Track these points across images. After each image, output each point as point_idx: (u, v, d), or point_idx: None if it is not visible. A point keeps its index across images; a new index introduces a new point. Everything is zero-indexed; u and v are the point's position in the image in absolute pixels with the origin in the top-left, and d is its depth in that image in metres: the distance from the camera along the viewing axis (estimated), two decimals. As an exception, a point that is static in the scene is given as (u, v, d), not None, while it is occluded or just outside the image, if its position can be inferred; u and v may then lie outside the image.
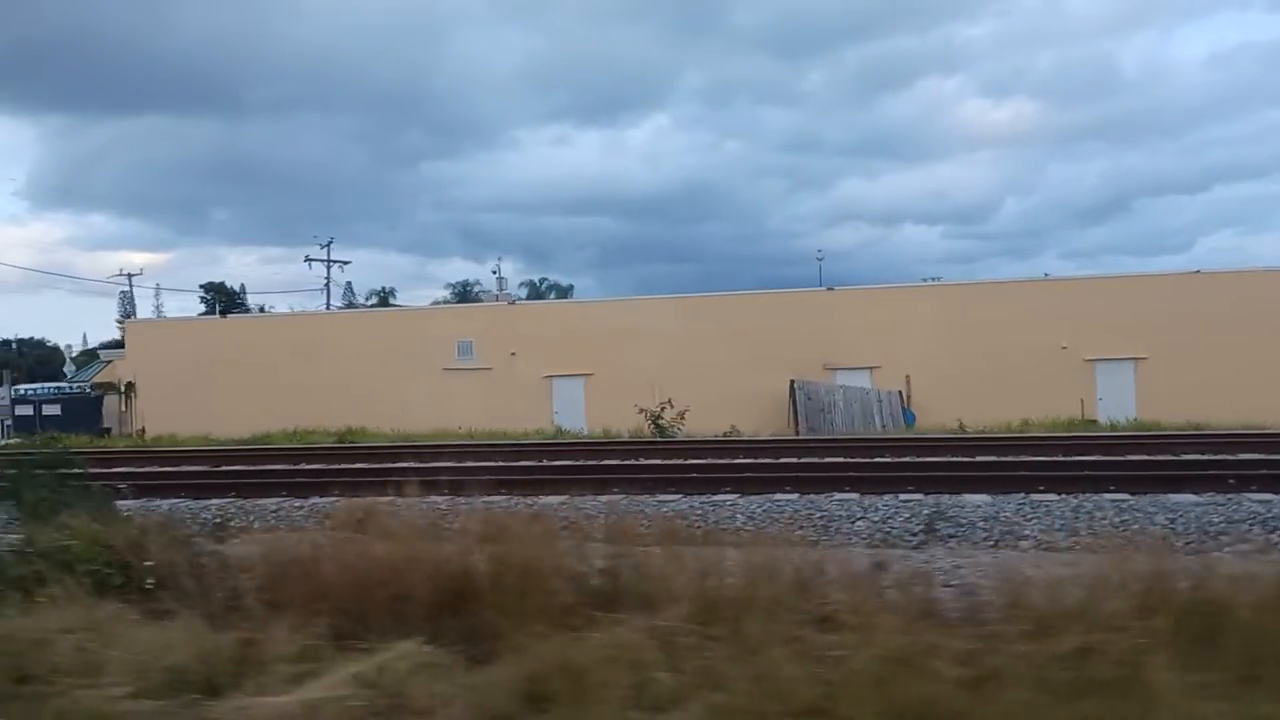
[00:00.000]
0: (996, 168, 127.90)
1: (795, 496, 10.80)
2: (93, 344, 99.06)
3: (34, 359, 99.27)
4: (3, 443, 31.94)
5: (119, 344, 76.89)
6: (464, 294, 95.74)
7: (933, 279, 37.16)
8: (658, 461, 14.81)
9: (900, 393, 29.38)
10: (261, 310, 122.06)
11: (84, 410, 35.56)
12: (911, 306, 30.62)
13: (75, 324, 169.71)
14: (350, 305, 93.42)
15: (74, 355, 70.01)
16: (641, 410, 26.51)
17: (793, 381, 29.15)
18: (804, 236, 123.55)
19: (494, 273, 40.99)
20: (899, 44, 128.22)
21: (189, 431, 31.47)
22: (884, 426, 28.17)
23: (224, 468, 15.97)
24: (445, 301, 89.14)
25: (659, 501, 10.68)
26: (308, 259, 67.64)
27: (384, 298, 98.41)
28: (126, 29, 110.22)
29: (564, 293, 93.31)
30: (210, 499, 11.93)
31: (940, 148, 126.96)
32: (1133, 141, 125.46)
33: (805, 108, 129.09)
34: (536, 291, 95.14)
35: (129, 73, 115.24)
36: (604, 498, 10.35)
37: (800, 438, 24.16)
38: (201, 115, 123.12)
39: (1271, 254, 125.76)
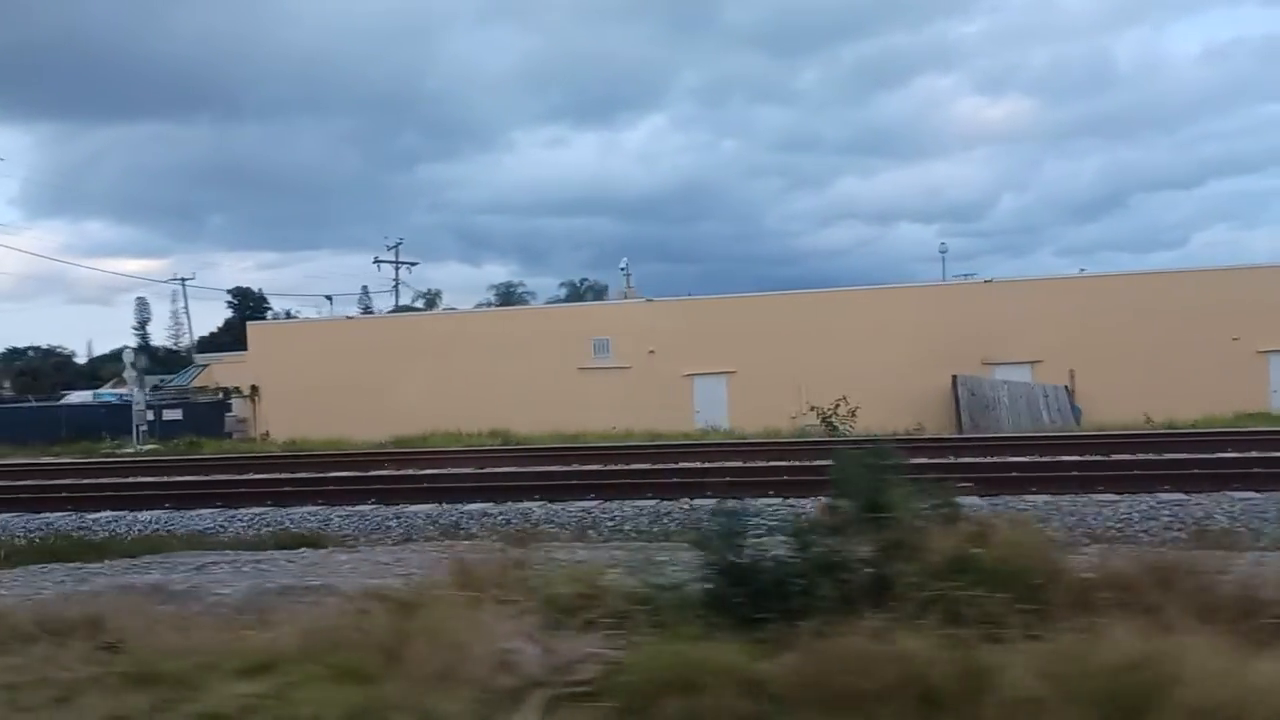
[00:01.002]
0: (992, 165, 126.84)
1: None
2: (99, 351, 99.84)
3: (50, 366, 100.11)
4: (147, 447, 31.64)
5: (214, 347, 76.92)
6: (508, 296, 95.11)
7: (1080, 270, 35.80)
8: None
9: (1066, 388, 28.40)
10: (289, 315, 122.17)
11: (208, 415, 35.14)
12: (1071, 298, 29.62)
13: (71, 332, 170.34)
14: (406, 308, 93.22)
15: (133, 361, 69.94)
16: (813, 408, 25.75)
17: (955, 377, 28.24)
18: (800, 235, 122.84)
19: (621, 269, 39.96)
20: (893, 41, 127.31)
21: (317, 435, 31.01)
22: (1051, 423, 27.20)
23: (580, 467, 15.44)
24: (489, 304, 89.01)
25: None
26: (377, 260, 67.22)
27: (430, 300, 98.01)
28: (120, 34, 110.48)
29: (600, 293, 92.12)
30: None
31: (936, 145, 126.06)
32: (1127, 137, 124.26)
33: (801, 106, 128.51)
34: (577, 292, 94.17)
35: (123, 78, 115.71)
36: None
37: (981, 435, 23.27)
38: (196, 120, 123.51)
39: (1267, 248, 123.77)
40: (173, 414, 34.85)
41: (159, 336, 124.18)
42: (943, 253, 65.02)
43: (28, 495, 14.23)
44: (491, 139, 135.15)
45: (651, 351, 31.53)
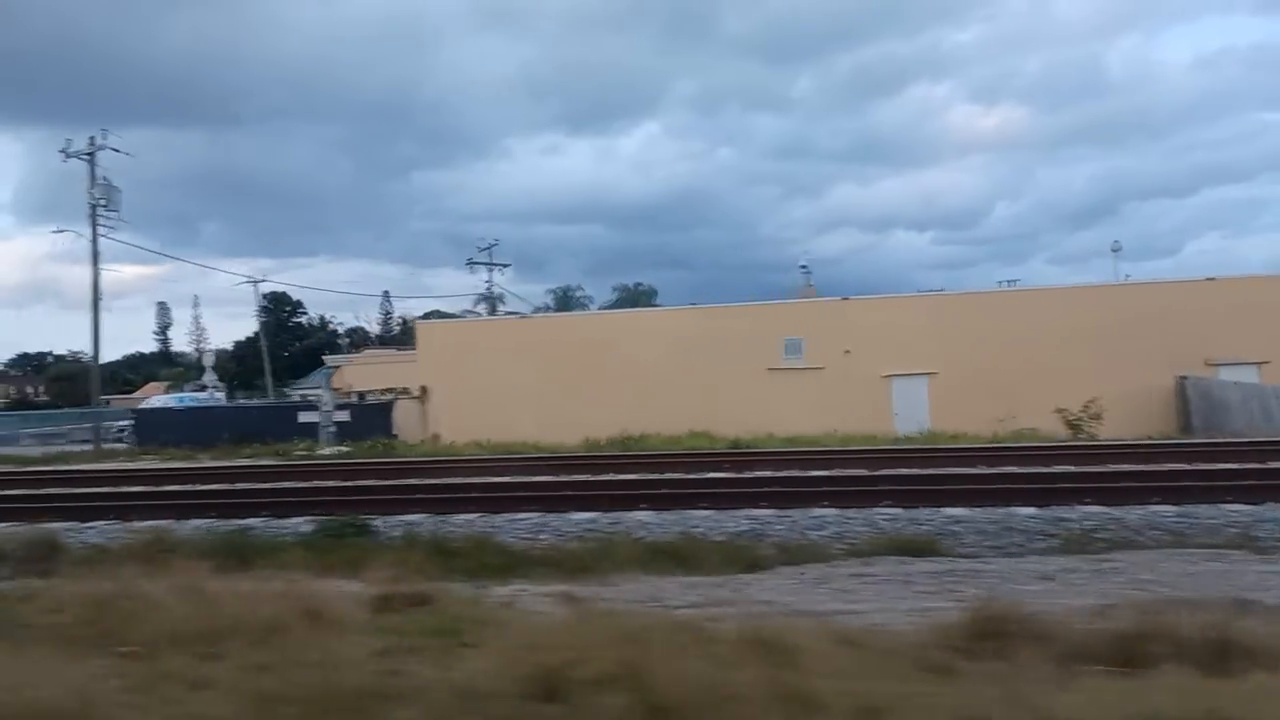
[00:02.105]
0: (986, 172, 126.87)
1: None
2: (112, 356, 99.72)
3: (84, 372, 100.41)
4: (336, 449, 31.22)
5: (253, 352, 76.68)
6: (565, 300, 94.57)
7: None
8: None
9: (1297, 389, 27.69)
10: (323, 321, 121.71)
11: (374, 417, 34.70)
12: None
13: (63, 338, 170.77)
14: (494, 311, 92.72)
15: (211, 364, 69.75)
16: (1058, 410, 25.14)
17: (1182, 378, 27.56)
18: (796, 243, 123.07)
19: (802, 267, 39.34)
20: (888, 49, 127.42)
21: (488, 437, 30.57)
22: (1285, 425, 26.48)
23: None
24: (547, 308, 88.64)
25: None
26: (470, 261, 66.81)
27: (493, 304, 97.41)
28: (113, 42, 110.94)
29: (650, 298, 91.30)
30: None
31: (931, 153, 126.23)
32: (1120, 145, 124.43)
33: (796, 114, 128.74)
34: (631, 296, 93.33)
35: (116, 85, 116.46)
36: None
37: (1215, 440, 22.58)
38: (190, 128, 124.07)
39: (1257, 256, 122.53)
40: (340, 416, 34.41)
41: (180, 342, 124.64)
42: (804, 270, 63.18)
43: (433, 496, 13.73)
44: (487, 147, 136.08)
45: (847, 351, 30.92)
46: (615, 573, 8.32)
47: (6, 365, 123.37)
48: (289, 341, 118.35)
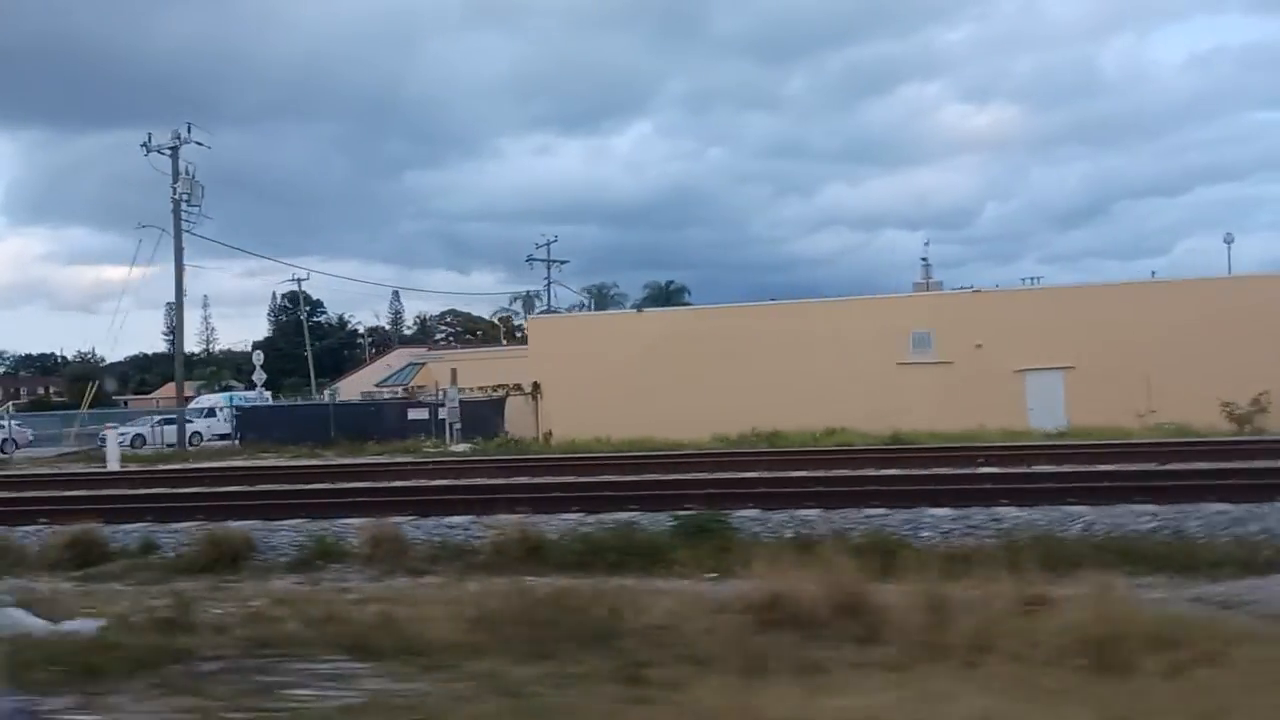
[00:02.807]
0: (977, 172, 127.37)
1: None
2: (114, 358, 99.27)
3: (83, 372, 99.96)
4: (461, 446, 30.84)
5: (275, 350, 75.73)
6: (601, 297, 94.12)
7: None
8: None
9: None
10: (341, 321, 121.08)
11: (484, 414, 34.31)
12: None
13: (57, 338, 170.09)
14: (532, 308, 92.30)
15: (260, 363, 69.18)
16: (1226, 405, 24.96)
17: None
18: (787, 242, 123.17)
19: (922, 261, 39.10)
20: (880, 49, 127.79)
21: (606, 433, 30.23)
22: None
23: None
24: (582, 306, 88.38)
25: None
26: (529, 259, 66.35)
27: (530, 302, 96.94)
28: (103, 40, 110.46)
29: (680, 296, 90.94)
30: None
31: (922, 153, 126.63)
32: (1112, 144, 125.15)
33: (788, 113, 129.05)
34: (664, 294, 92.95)
35: (106, 85, 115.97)
36: None
37: None
38: (179, 127, 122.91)
39: (1251, 256, 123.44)
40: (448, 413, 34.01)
41: (191, 343, 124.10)
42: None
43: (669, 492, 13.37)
44: (478, 146, 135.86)
45: (978, 345, 30.70)
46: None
47: (10, 367, 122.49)
48: (311, 340, 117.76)
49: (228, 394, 67.08)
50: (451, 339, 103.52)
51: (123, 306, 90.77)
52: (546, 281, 64.19)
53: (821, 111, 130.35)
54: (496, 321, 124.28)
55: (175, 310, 42.67)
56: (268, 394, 61.94)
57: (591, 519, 11.63)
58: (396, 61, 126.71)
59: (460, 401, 34.76)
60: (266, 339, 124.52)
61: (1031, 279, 39.39)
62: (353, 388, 67.87)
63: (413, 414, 34.65)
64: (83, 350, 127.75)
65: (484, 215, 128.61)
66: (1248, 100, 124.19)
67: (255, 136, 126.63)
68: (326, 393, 68.47)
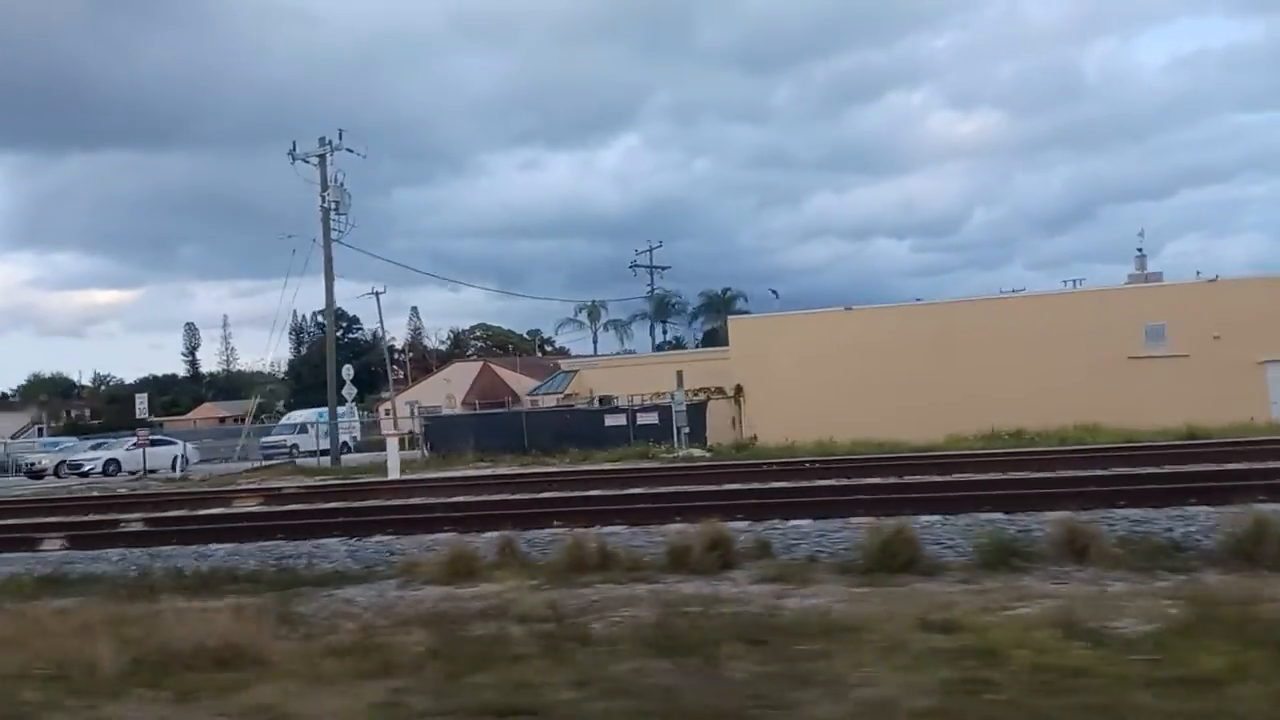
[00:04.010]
0: (964, 179, 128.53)
1: None
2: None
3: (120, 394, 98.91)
4: (693, 451, 29.94)
5: (408, 360, 74.54)
6: (661, 306, 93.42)
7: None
8: None
9: None
10: (375, 337, 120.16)
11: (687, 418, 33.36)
12: None
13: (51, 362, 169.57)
14: (597, 318, 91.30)
15: (350, 377, 68.24)
16: None
17: None
18: (776, 253, 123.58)
19: (1138, 252, 38.48)
20: (864, 58, 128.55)
21: (828, 434, 29.44)
22: None
23: None
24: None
25: None
26: (633, 265, 65.62)
27: (595, 310, 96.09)
28: (87, 66, 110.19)
29: (731, 304, 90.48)
30: None
31: (908, 160, 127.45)
32: (1097, 148, 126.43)
33: (774, 124, 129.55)
34: (722, 301, 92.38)
35: (92, 109, 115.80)
36: None
37: None
38: (166, 150, 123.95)
39: (1235, 257, 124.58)
40: (648, 418, 33.14)
41: (211, 363, 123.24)
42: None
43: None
44: (464, 163, 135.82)
45: (1216, 337, 30.08)
46: None
47: (16, 393, 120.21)
48: (346, 358, 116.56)
49: (319, 410, 65.94)
50: (480, 354, 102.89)
51: (279, 323, 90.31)
52: (650, 288, 63.35)
53: (807, 121, 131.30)
54: (526, 335, 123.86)
55: (327, 321, 41.82)
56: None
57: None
58: (382, 82, 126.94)
59: (657, 407, 33.91)
60: (303, 357, 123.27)
61: (1012, 291, 38.93)
62: (394, 404, 66.85)
63: (609, 420, 33.71)
64: (100, 373, 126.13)
65: (472, 232, 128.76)
66: (1231, 102, 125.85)
67: (241, 158, 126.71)
68: (455, 402, 67.46)
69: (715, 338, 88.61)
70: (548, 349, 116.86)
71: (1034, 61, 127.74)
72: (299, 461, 37.78)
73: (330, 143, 40.44)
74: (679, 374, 30.66)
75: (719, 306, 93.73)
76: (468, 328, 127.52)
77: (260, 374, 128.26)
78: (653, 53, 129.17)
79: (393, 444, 25.18)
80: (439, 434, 36.66)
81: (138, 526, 15.31)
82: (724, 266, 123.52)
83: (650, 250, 61.95)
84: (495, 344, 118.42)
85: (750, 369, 33.13)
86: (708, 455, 28.43)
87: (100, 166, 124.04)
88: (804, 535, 10.55)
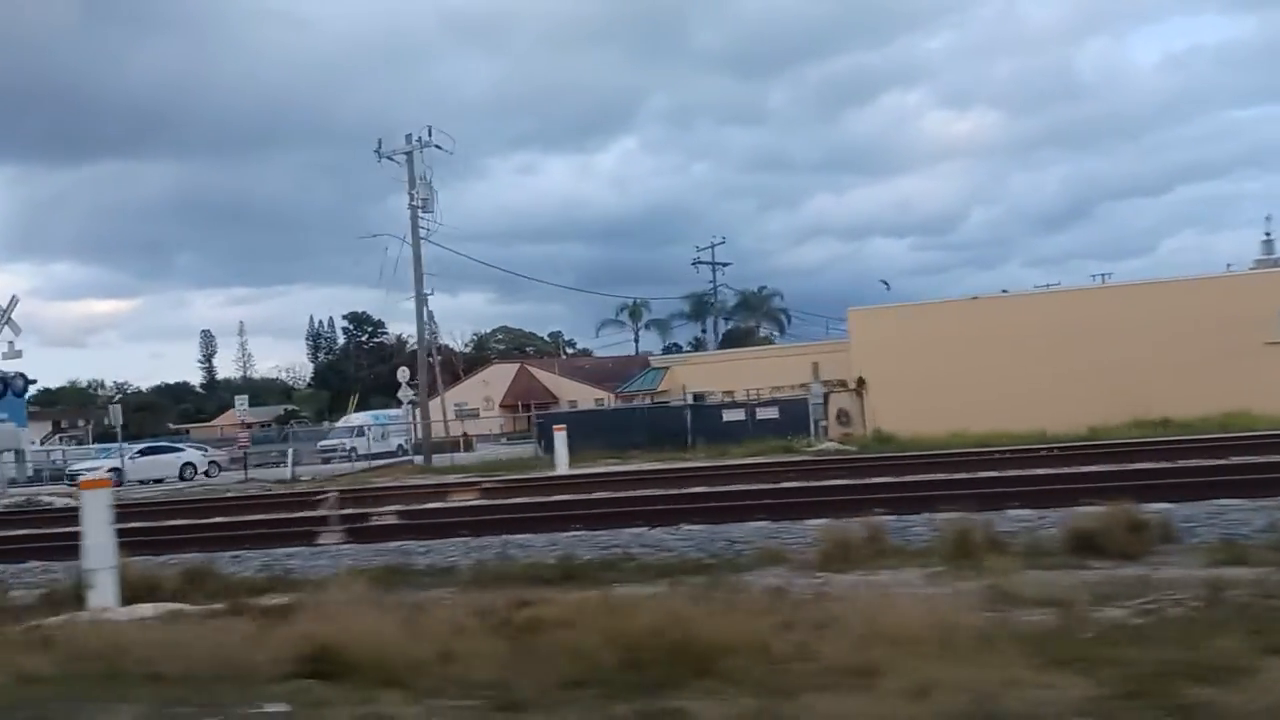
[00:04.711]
0: (961, 178, 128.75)
1: None
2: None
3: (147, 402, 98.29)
4: (827, 444, 29.51)
5: (336, 372, 74.26)
6: (700, 305, 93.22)
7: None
8: None
9: None
10: (400, 341, 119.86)
11: (803, 411, 32.92)
12: None
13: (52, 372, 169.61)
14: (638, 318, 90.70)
15: (407, 379, 67.80)
16: None
17: None
18: (775, 255, 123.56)
19: (1265, 236, 38.11)
20: (859, 59, 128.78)
21: (940, 428, 29.02)
22: None
23: None
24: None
25: None
26: (695, 262, 65.29)
27: (637, 310, 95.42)
28: (80, 75, 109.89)
29: (770, 300, 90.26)
30: None
31: (905, 161, 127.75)
32: (1093, 146, 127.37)
33: (770, 126, 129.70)
34: (759, 299, 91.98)
35: (85, 118, 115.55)
36: None
37: None
38: (161, 158, 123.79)
39: (1232, 252, 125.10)
40: (768, 412, 32.71)
41: (229, 369, 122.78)
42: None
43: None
44: (462, 167, 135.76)
45: (1354, 320, 29.75)
46: None
47: (31, 400, 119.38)
48: (374, 362, 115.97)
49: (374, 413, 65.67)
50: (499, 356, 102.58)
51: (88, 343, 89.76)
52: (713, 285, 63.01)
53: (804, 123, 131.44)
54: (547, 338, 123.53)
55: (417, 321, 41.28)
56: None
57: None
58: (379, 86, 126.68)
59: (776, 401, 33.48)
60: (330, 362, 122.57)
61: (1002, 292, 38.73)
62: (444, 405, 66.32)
63: (727, 415, 33.27)
64: (118, 381, 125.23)
65: (470, 236, 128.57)
66: (1225, 98, 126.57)
67: (237, 165, 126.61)
68: (493, 405, 67.01)
69: (735, 338, 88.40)
70: (568, 351, 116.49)
71: (1029, 61, 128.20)
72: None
73: (420, 139, 39.94)
74: (815, 365, 30.21)
75: (755, 305, 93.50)
76: (489, 330, 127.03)
77: (277, 381, 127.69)
78: (648, 56, 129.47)
79: (560, 436, 24.65)
80: (551, 431, 36.07)
81: (391, 520, 14.84)
82: (724, 270, 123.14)
83: (712, 246, 61.46)
84: (515, 346, 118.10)
85: (872, 360, 32.67)
86: (848, 450, 28.01)
87: (95, 175, 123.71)
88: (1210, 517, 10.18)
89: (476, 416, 71.35)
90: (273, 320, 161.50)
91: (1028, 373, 30.79)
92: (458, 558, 11.10)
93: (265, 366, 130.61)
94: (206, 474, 38.89)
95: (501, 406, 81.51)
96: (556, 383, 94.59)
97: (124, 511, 11.98)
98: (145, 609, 9.11)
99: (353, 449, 51.36)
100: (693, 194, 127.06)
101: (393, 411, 62.73)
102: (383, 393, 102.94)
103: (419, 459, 40.17)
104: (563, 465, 23.93)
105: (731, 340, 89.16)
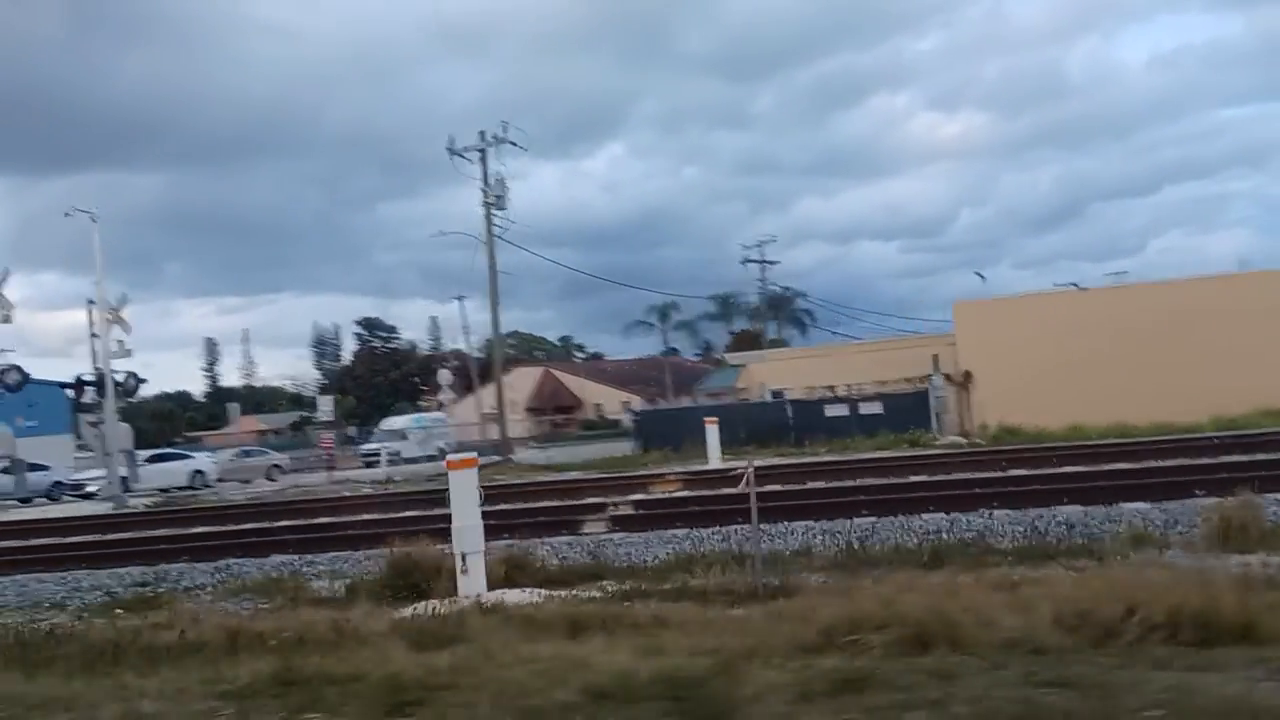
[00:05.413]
0: (950, 180, 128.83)
1: None
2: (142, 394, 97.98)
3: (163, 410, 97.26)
4: (951, 438, 29.05)
5: (354, 379, 73.39)
6: (725, 305, 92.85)
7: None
8: None
9: None
10: (413, 346, 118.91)
11: (908, 406, 32.46)
12: None
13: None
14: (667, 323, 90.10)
15: (448, 383, 67.22)
16: None
17: None
18: (766, 258, 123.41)
19: None
20: (847, 61, 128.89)
21: (1048, 422, 28.66)
22: None
23: None
24: None
25: None
26: (745, 261, 64.69)
27: (664, 312, 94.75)
28: (67, 86, 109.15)
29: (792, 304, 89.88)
30: None
31: (894, 163, 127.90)
32: (1082, 147, 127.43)
33: (759, 130, 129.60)
34: (783, 299, 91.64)
35: (72, 128, 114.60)
36: None
37: None
38: (149, 168, 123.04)
39: (1221, 251, 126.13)
40: (872, 408, 32.22)
41: (233, 377, 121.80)
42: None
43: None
44: (450, 174, 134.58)
45: None
46: None
47: None
48: (388, 368, 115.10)
49: (415, 417, 65.05)
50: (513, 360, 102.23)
51: (74, 353, 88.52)
52: (760, 282, 62.60)
53: (792, 126, 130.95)
54: (557, 342, 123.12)
55: (492, 321, 40.60)
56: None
57: None
58: (367, 94, 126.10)
59: (880, 396, 33.01)
60: (345, 368, 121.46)
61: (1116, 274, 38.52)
62: (468, 410, 65.69)
63: (830, 411, 32.76)
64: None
65: (460, 244, 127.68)
66: (1213, 97, 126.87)
67: (225, 175, 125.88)
68: (519, 408, 66.10)
69: (745, 341, 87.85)
70: (578, 354, 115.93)
71: (1017, 61, 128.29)
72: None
73: (496, 137, 39.26)
74: (935, 357, 29.72)
75: (778, 306, 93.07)
76: (501, 335, 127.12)
77: (280, 390, 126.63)
78: (635, 61, 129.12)
79: (711, 429, 24.09)
80: (649, 428, 35.61)
81: (627, 510, 14.28)
82: (713, 273, 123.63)
83: (761, 245, 60.98)
84: (526, 351, 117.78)
85: (978, 354, 32.18)
86: (978, 443, 27.58)
87: (82, 186, 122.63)
88: None
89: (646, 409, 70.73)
90: (264, 328, 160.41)
91: (1142, 363, 30.32)
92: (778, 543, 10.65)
93: (266, 374, 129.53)
94: (192, 485, 37.55)
95: (526, 410, 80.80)
96: (581, 385, 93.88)
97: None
98: (516, 594, 8.63)
99: (396, 453, 50.76)
100: (682, 198, 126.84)
101: (433, 415, 62.06)
102: (401, 398, 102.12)
103: (496, 458, 39.51)
104: (715, 459, 23.35)
105: (742, 343, 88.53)
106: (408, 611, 7.88)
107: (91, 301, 25.79)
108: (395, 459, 47.95)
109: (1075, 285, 33.86)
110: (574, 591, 8.81)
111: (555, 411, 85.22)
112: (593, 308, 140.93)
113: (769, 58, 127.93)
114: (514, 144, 39.60)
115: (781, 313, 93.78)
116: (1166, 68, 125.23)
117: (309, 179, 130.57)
